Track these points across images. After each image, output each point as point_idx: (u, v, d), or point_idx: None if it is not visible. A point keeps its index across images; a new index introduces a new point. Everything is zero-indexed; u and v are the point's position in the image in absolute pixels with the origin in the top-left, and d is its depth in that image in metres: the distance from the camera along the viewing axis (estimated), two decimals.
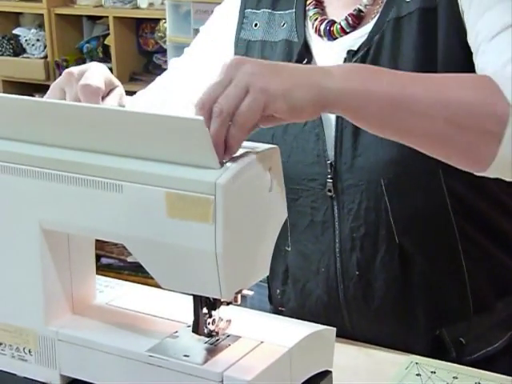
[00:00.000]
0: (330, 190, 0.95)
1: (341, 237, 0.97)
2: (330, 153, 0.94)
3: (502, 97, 0.74)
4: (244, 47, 1.05)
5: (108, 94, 0.92)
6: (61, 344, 0.79)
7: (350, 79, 0.73)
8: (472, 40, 0.86)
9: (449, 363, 0.88)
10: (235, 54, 1.06)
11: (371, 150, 0.91)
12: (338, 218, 0.96)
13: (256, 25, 1.04)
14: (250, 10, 1.05)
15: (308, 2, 1.01)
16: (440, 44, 0.89)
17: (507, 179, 0.79)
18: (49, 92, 0.91)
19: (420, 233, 0.96)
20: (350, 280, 0.98)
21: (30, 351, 0.81)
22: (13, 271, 0.82)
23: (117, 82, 0.93)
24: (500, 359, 0.92)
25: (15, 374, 0.83)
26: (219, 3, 1.16)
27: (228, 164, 0.68)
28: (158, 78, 1.17)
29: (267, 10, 1.04)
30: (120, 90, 0.93)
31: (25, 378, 0.82)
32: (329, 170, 0.95)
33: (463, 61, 0.89)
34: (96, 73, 0.88)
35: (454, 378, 0.84)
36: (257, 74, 0.69)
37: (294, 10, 1.02)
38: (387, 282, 0.96)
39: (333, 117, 0.93)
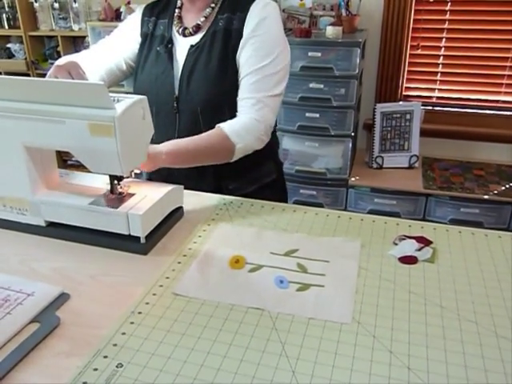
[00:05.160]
0: (175, 109, 1.31)
1: (178, 132, 1.32)
2: (176, 91, 1.29)
3: (230, 140, 1.24)
4: (144, 37, 1.37)
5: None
6: (43, 204, 1.03)
7: (168, 155, 1.15)
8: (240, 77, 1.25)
9: (238, 197, 1.25)
10: (141, 41, 1.37)
11: (194, 92, 1.27)
12: (178, 123, 1.32)
13: (149, 26, 1.38)
14: (146, 18, 1.39)
15: (175, 16, 1.34)
16: (230, 46, 1.25)
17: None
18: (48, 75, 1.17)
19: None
20: None
21: (26, 209, 1.05)
22: (12, 170, 1.01)
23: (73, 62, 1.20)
24: (254, 197, 1.32)
25: (20, 222, 1.07)
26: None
27: (120, 106, 0.91)
28: (92, 46, 1.44)
29: (154, 18, 1.39)
30: (77, 64, 1.21)
31: (26, 223, 1.06)
32: (174, 99, 1.31)
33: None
34: (66, 61, 1.17)
35: (241, 203, 1.21)
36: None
37: (167, 20, 1.37)
38: None
39: (178, 73, 1.26)
